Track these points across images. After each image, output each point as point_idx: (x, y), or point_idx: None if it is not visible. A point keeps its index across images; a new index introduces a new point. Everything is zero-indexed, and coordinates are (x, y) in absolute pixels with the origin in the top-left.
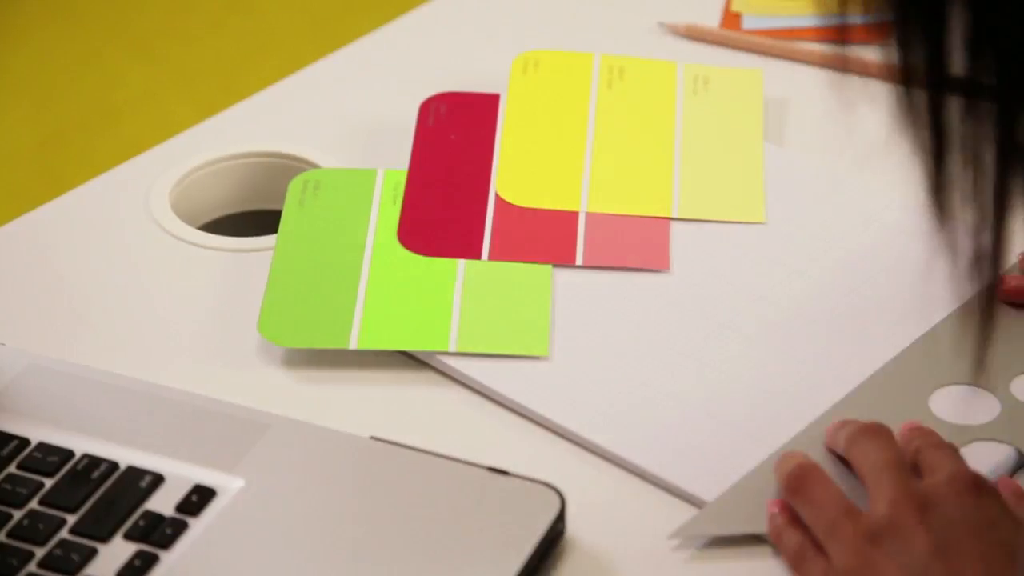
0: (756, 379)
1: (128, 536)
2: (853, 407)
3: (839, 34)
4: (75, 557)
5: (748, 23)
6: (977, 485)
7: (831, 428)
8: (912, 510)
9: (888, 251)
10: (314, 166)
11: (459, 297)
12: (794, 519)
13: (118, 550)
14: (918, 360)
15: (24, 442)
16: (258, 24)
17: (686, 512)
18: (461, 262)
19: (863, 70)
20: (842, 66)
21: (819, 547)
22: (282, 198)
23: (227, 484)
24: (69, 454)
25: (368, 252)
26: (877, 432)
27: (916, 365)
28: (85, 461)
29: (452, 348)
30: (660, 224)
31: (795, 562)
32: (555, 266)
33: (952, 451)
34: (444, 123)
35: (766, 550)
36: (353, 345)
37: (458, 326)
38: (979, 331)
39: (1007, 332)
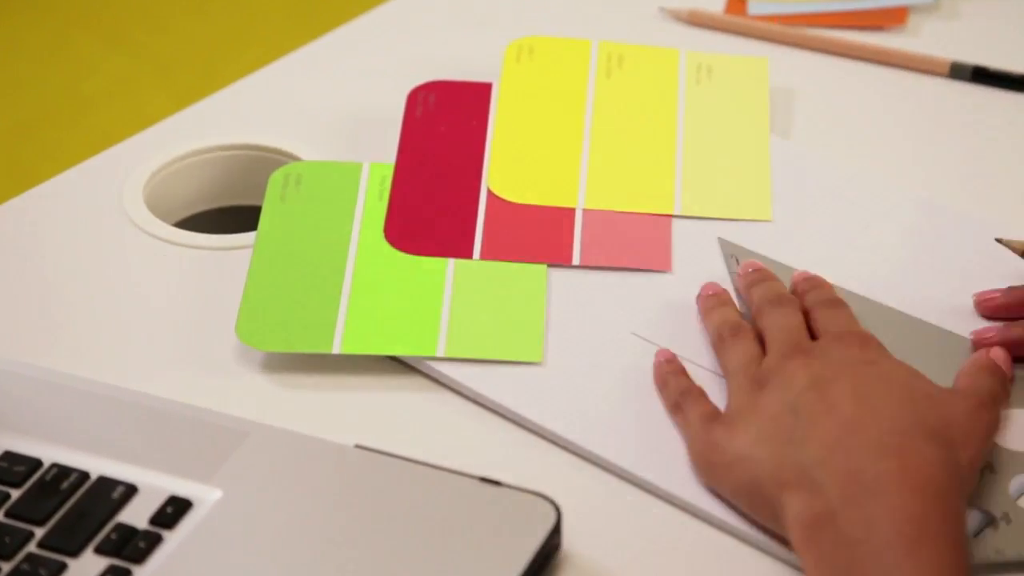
0: None
1: (99, 550)
2: None
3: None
4: (43, 572)
5: (754, 8)
6: (863, 337)
7: (744, 281)
8: (798, 357)
9: (898, 250)
10: (296, 159)
11: (448, 299)
12: (679, 370)
13: (89, 565)
14: (927, 363)
15: None
16: (238, 9)
17: (687, 523)
18: (451, 262)
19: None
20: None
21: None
22: (262, 193)
23: (204, 495)
24: (37, 463)
25: (353, 250)
26: (782, 301)
27: (924, 368)
28: (54, 471)
29: (440, 353)
30: (661, 222)
31: (678, 401)
32: (550, 266)
33: (844, 311)
34: (433, 114)
35: (769, 562)
36: (336, 349)
37: (447, 330)
38: None
39: None
